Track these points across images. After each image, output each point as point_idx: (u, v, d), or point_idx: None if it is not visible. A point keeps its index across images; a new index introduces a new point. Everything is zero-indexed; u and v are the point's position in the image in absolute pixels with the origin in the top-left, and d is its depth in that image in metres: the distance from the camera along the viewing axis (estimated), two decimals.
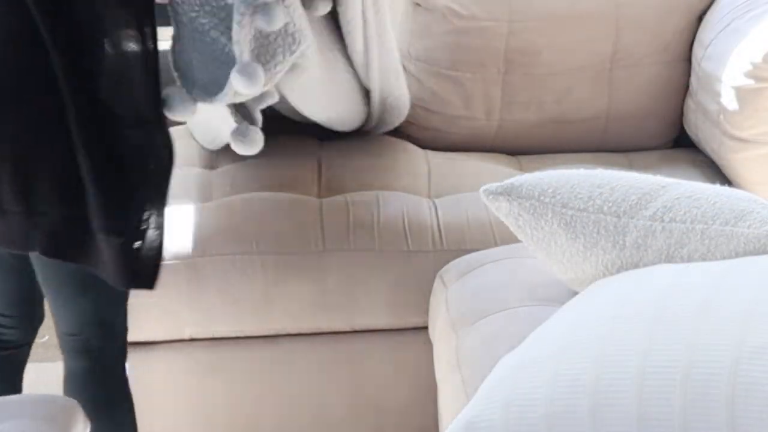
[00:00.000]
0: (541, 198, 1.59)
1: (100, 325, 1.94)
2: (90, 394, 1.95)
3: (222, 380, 2.35)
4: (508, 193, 1.62)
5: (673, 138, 2.77)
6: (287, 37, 1.83)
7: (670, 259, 1.49)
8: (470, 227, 2.28)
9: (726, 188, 1.56)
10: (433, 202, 2.39)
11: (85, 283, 1.87)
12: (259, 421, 2.36)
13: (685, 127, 2.70)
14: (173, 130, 1.78)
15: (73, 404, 1.80)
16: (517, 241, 1.82)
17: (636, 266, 1.52)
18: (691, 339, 1.21)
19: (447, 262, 2.14)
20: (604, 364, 1.22)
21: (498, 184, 1.64)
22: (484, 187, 1.66)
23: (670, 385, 1.18)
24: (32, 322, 2.04)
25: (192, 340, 2.31)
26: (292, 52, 1.84)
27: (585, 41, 2.66)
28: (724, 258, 1.46)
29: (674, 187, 1.55)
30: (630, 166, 2.55)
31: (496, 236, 2.24)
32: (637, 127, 2.72)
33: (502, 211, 1.65)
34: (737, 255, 1.45)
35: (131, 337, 2.29)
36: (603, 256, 1.55)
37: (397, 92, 2.46)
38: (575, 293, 1.60)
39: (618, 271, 1.54)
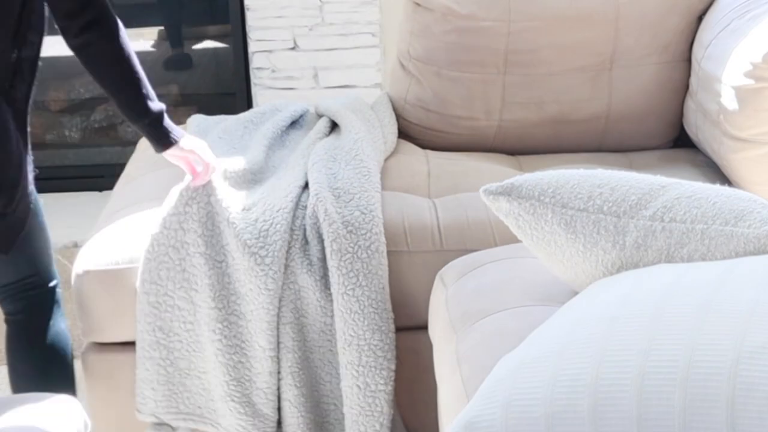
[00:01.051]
0: (541, 198, 1.59)
1: (34, 274, 2.18)
2: (32, 339, 2.18)
3: None
4: (508, 193, 1.62)
5: (673, 138, 2.77)
6: None
7: (670, 259, 1.49)
8: (470, 227, 2.28)
9: (726, 188, 1.56)
10: (433, 202, 2.39)
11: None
12: None
13: (685, 127, 2.70)
14: None
15: (73, 404, 1.80)
16: (517, 241, 1.82)
17: (636, 266, 1.52)
18: (691, 339, 1.21)
19: (447, 262, 2.14)
20: (604, 364, 1.22)
21: (498, 184, 1.64)
22: (484, 187, 1.66)
23: (670, 385, 1.18)
24: None
25: None
26: None
27: (585, 41, 2.66)
28: (724, 258, 1.46)
29: (674, 187, 1.55)
30: (630, 166, 2.55)
31: (496, 236, 2.24)
32: (637, 127, 2.72)
33: (502, 211, 1.65)
34: (737, 255, 1.45)
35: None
36: (603, 256, 1.55)
37: None
38: (575, 293, 1.60)
39: (618, 271, 1.54)
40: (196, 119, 2.81)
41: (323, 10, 3.79)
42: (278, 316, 2.21)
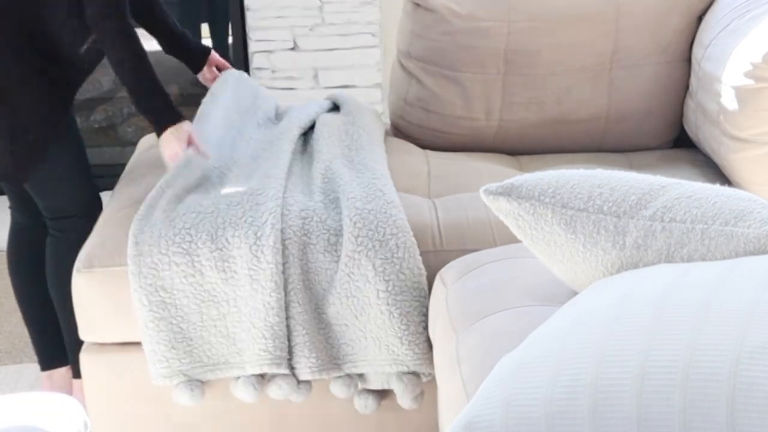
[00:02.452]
0: (541, 198, 1.59)
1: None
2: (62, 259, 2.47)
3: None
4: (508, 193, 1.62)
5: (673, 138, 2.77)
6: None
7: (670, 259, 1.49)
8: (470, 227, 2.28)
9: (726, 188, 1.56)
10: (433, 202, 2.39)
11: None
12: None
13: (685, 127, 2.70)
14: None
15: (74, 404, 1.80)
16: (517, 241, 1.82)
17: (636, 266, 1.52)
18: (691, 339, 1.21)
19: (447, 262, 2.14)
20: (604, 364, 1.22)
21: (498, 184, 1.64)
22: (484, 187, 1.66)
23: (670, 385, 1.18)
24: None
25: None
26: None
27: (585, 41, 2.66)
28: (724, 258, 1.46)
29: (674, 187, 1.55)
30: (630, 166, 2.55)
31: (496, 236, 2.24)
32: (637, 127, 2.72)
33: (502, 211, 1.65)
34: (737, 255, 1.45)
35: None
36: (603, 256, 1.55)
37: None
38: (575, 293, 1.60)
39: (618, 271, 1.54)
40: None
41: (323, 10, 3.80)
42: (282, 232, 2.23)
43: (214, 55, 2.83)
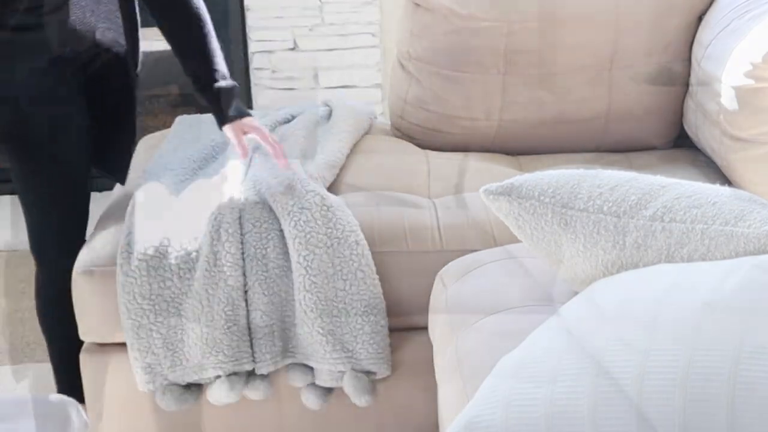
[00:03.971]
0: (541, 198, 1.59)
1: None
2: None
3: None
4: (508, 193, 1.62)
5: (673, 138, 2.77)
6: None
7: (670, 259, 1.49)
8: (470, 227, 2.28)
9: (726, 188, 1.56)
10: (433, 202, 2.39)
11: None
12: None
13: (685, 127, 2.70)
14: None
15: (73, 404, 1.80)
16: (517, 241, 1.82)
17: (636, 266, 1.52)
18: (691, 339, 1.21)
19: (447, 262, 2.14)
20: (604, 364, 1.22)
21: (498, 184, 1.64)
22: (484, 187, 1.66)
23: (670, 385, 1.18)
24: None
25: None
26: None
27: (585, 41, 2.66)
28: (724, 258, 1.46)
29: (674, 187, 1.55)
30: (630, 166, 2.55)
31: (496, 236, 2.24)
32: (637, 127, 2.72)
33: (502, 211, 1.65)
34: (737, 255, 1.45)
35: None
36: (603, 256, 1.55)
37: None
38: (575, 293, 1.60)
39: (618, 271, 1.54)
40: (184, 120, 2.83)
41: (323, 10, 3.80)
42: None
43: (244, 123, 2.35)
